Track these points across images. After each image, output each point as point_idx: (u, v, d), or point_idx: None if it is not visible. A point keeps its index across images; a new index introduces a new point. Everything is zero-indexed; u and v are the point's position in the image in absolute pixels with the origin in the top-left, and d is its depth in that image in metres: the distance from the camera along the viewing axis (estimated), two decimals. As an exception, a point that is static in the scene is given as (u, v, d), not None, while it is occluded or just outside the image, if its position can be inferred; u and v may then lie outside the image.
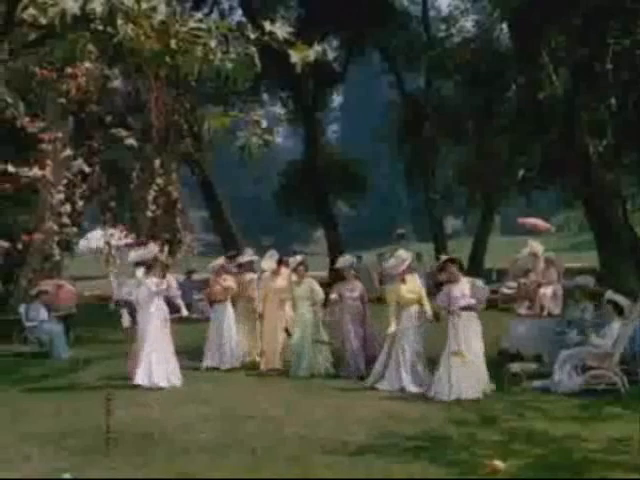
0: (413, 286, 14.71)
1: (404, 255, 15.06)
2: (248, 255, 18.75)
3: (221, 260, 18.51)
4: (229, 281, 17.69)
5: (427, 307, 14.55)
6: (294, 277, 16.73)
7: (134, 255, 15.76)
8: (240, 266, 18.42)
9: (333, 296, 16.23)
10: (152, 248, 15.53)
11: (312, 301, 16.36)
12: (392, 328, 14.40)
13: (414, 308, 14.52)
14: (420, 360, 14.31)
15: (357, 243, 47.02)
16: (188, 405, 13.20)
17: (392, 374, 14.37)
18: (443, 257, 15.61)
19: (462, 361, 13.22)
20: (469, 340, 13.42)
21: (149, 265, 15.45)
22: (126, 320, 18.15)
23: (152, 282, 15.33)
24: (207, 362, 17.25)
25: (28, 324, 19.74)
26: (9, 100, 7.85)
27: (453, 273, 13.92)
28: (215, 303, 17.93)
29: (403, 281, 14.71)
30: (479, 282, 14.10)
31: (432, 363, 14.08)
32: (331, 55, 35.39)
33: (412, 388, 14.08)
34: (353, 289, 16.17)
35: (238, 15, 37.13)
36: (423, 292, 14.80)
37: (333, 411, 12.51)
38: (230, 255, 22.21)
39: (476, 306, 13.65)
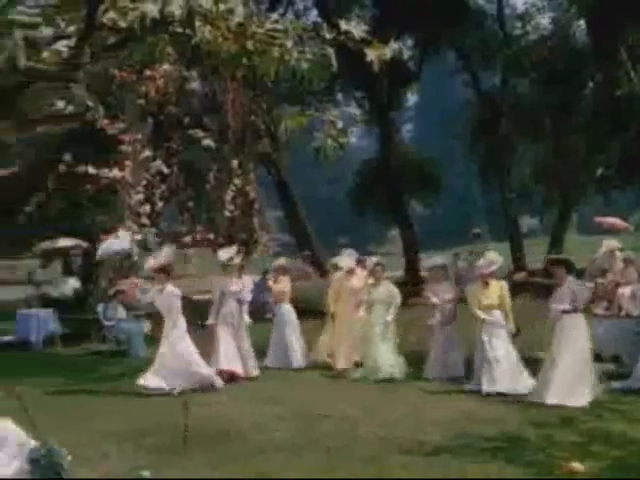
0: (493, 292, 14.20)
1: (494, 257, 14.49)
2: (345, 255, 17.92)
3: (282, 260, 18.40)
4: (283, 282, 17.64)
5: (509, 316, 14.14)
6: (370, 279, 16.47)
7: (151, 262, 15.14)
8: (335, 267, 18.24)
9: (435, 300, 15.74)
10: (168, 252, 15.21)
11: (389, 304, 16.03)
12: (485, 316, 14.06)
13: (492, 313, 14.11)
14: (485, 364, 13.82)
15: (432, 243, 46.76)
16: (262, 404, 13.24)
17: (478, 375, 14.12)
18: (550, 257, 15.13)
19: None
20: (570, 344, 12.91)
21: (168, 271, 14.96)
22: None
23: (172, 288, 14.77)
24: (267, 362, 17.28)
25: (106, 323, 20.10)
26: (89, 103, 7.96)
27: (559, 275, 13.26)
28: (277, 303, 17.95)
29: (486, 284, 14.28)
30: (576, 281, 13.41)
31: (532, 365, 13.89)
32: (406, 54, 35.13)
33: (470, 387, 14.02)
34: (447, 290, 15.86)
35: (313, 15, 37.15)
36: (507, 300, 14.20)
37: (411, 411, 12.46)
38: (304, 255, 22.20)
39: (573, 308, 13.09)
